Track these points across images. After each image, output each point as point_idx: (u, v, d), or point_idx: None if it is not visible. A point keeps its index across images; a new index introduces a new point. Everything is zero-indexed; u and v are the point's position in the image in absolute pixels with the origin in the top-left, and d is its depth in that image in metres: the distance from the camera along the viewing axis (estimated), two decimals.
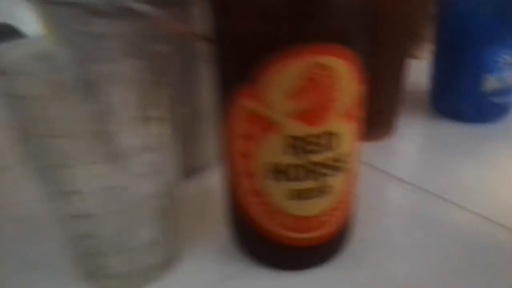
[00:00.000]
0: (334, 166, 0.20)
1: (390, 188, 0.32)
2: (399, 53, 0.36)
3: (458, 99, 0.40)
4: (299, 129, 0.19)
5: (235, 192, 0.22)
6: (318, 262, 0.23)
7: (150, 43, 0.18)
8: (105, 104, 0.18)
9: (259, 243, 0.23)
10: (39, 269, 0.24)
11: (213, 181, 0.30)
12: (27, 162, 0.20)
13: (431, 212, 0.28)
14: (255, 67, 0.18)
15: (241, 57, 0.18)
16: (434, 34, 0.41)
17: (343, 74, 0.18)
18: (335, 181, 0.21)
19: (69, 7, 0.19)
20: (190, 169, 0.32)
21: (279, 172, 0.20)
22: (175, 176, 0.22)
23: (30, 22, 0.98)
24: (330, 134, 0.19)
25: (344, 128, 0.20)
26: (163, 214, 0.22)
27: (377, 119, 0.37)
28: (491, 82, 0.38)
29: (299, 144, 0.19)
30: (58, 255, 0.25)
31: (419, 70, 0.45)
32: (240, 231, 0.24)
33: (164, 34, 0.19)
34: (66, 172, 0.19)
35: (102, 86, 0.18)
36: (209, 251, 0.25)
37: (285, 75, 0.18)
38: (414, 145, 0.39)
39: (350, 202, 0.23)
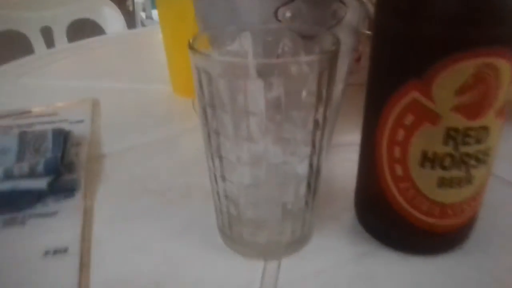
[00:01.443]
0: (481, 159, 0.22)
1: None
2: None
3: None
4: (460, 122, 0.21)
5: (377, 177, 0.24)
6: (448, 248, 0.25)
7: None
8: (283, 90, 0.21)
9: (395, 226, 0.25)
10: (184, 236, 0.27)
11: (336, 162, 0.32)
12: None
13: None
14: (428, 65, 0.20)
15: (416, 55, 0.20)
16: None
17: (506, 74, 0.20)
18: (479, 173, 0.23)
19: None
20: None
21: (433, 161, 0.22)
22: (324, 155, 0.25)
23: (111, 18, 1.04)
24: (484, 129, 0.21)
25: (495, 123, 0.21)
26: (309, 191, 0.24)
27: None
28: None
29: (457, 136, 0.21)
30: (201, 223, 0.28)
31: None
32: (374, 213, 0.26)
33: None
34: (229, 143, 0.22)
35: (282, 75, 0.20)
36: (338, 230, 0.27)
37: (456, 74, 0.20)
38: None
39: (484, 192, 0.25)
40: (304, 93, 0.20)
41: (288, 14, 0.26)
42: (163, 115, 0.45)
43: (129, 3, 1.96)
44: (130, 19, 1.81)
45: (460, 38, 0.19)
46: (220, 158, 0.22)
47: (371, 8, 0.27)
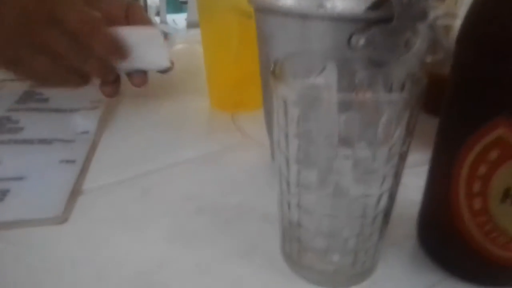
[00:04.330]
0: None
1: None
2: None
3: None
4: None
5: (451, 209, 0.24)
6: None
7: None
8: (373, 124, 0.20)
9: (467, 258, 0.25)
10: (246, 258, 0.27)
11: None
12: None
13: None
14: None
15: (507, 94, 0.20)
16: None
17: None
18: None
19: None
20: None
21: None
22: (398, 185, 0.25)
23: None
24: None
25: None
26: (384, 222, 0.24)
27: None
28: None
29: None
30: (262, 246, 0.28)
31: None
32: (443, 243, 0.26)
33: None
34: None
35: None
36: (402, 259, 0.27)
37: None
38: None
39: None
40: (393, 127, 0.20)
41: (361, 42, 0.26)
42: (203, 130, 0.45)
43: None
44: None
45: None
46: (298, 186, 0.22)
47: (443, 38, 0.27)
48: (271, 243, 0.28)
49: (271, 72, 0.22)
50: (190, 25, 1.53)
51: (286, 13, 0.28)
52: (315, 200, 0.22)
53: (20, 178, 0.34)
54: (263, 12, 0.30)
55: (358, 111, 0.19)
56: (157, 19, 1.98)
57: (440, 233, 0.26)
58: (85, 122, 0.45)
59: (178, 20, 2.34)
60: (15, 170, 0.35)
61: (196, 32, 0.84)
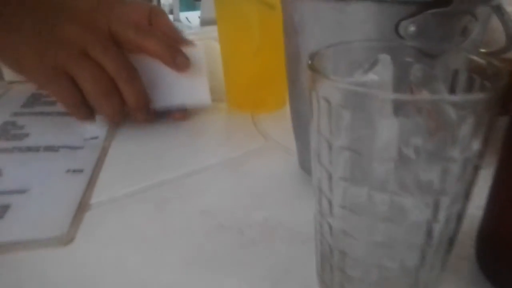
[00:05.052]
0: None
1: None
2: None
3: None
4: None
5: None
6: None
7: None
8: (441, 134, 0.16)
9: None
10: (279, 283, 0.23)
11: None
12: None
13: None
14: None
15: None
16: None
17: None
18: None
19: None
20: None
21: None
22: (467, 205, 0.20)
23: None
24: None
25: None
26: (449, 249, 0.20)
27: None
28: None
29: None
30: (295, 272, 0.24)
31: None
32: (506, 267, 0.22)
33: None
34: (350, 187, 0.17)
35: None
36: (460, 282, 0.23)
37: None
38: None
39: None
40: (470, 136, 0.16)
41: (412, 29, 0.22)
42: (221, 134, 0.41)
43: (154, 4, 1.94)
44: None
45: None
46: (344, 207, 0.18)
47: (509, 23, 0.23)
48: (306, 268, 0.24)
49: (308, 66, 0.18)
50: (204, 22, 1.50)
51: None
52: (365, 225, 0.18)
53: (22, 191, 0.31)
54: None
55: (422, 115, 0.15)
56: (170, 17, 1.95)
57: (504, 254, 0.22)
58: (94, 127, 0.41)
59: (192, 17, 2.31)
60: (18, 182, 0.32)
61: (210, 29, 0.80)
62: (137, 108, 0.39)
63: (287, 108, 0.39)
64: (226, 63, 0.44)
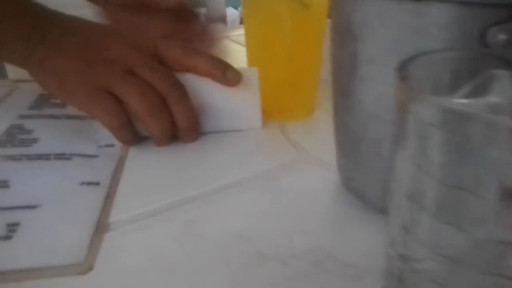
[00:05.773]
0: None
1: None
2: None
3: None
4: None
5: None
6: None
7: None
8: None
9: None
10: None
11: None
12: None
13: None
14: None
15: None
16: None
17: None
18: None
19: None
20: None
21: None
22: None
23: None
24: None
25: None
26: None
27: None
28: None
29: None
30: None
31: None
32: None
33: None
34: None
35: None
36: None
37: None
38: None
39: None
40: None
41: (501, 37, 0.19)
42: (248, 144, 0.38)
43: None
44: None
45: None
46: (436, 251, 0.15)
47: None
48: None
49: (399, 78, 0.15)
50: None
51: None
52: (465, 278, 0.15)
53: (33, 207, 0.28)
54: None
55: None
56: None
57: None
58: (109, 132, 0.38)
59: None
60: (27, 196, 0.29)
61: (235, 32, 0.76)
62: (186, 130, 0.36)
63: (316, 117, 0.36)
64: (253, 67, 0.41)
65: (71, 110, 0.42)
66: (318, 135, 0.38)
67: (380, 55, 0.22)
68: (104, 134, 0.37)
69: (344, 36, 0.24)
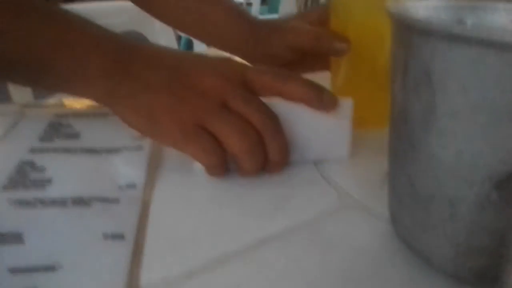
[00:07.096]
0: None
1: None
2: None
3: None
4: None
5: None
6: None
7: None
8: None
9: None
10: None
11: None
12: None
13: None
14: None
15: None
16: None
17: None
18: None
19: None
20: None
21: None
22: None
23: (161, 31, 0.93)
24: None
25: None
26: None
27: None
28: None
29: None
30: None
31: None
32: None
33: None
34: None
35: None
36: None
37: None
38: None
39: None
40: None
41: None
42: (285, 185, 0.34)
43: None
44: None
45: None
46: None
47: None
48: None
49: None
50: None
51: (480, 41, 0.17)
52: None
53: (51, 268, 0.24)
54: (428, 36, 0.19)
55: None
56: None
57: None
58: (129, 169, 0.35)
59: None
60: (44, 253, 0.25)
61: None
62: (277, 163, 0.34)
63: (353, 154, 0.34)
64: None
65: (85, 141, 0.39)
66: (359, 176, 0.35)
67: (467, 110, 0.19)
68: (124, 173, 0.34)
69: (419, 82, 0.21)
